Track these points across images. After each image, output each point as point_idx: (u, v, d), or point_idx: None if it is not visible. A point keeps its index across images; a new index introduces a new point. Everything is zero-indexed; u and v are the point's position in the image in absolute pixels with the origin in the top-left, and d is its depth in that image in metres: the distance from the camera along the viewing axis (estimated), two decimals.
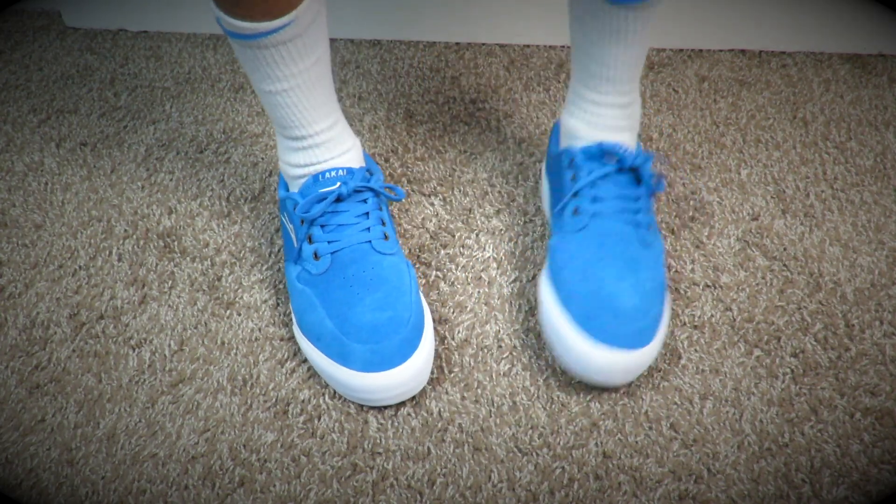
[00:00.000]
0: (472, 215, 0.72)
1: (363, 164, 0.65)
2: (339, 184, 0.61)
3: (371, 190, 0.61)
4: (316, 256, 0.60)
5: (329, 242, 0.60)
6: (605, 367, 0.54)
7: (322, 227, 0.61)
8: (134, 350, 0.62)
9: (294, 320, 0.61)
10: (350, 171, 0.61)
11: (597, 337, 0.54)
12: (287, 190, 0.65)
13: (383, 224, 0.62)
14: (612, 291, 0.55)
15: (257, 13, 0.51)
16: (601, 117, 0.62)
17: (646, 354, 0.54)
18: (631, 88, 0.61)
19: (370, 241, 0.60)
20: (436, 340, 0.61)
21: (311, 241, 0.61)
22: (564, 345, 0.55)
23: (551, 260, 0.60)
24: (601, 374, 0.54)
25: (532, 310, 0.63)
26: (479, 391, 0.58)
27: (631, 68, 0.59)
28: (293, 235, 0.62)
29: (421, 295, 0.60)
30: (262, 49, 0.53)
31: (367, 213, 0.61)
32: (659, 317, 0.56)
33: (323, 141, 0.61)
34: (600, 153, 0.61)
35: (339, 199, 0.60)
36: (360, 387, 0.54)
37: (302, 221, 0.61)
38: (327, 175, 0.61)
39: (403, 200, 0.74)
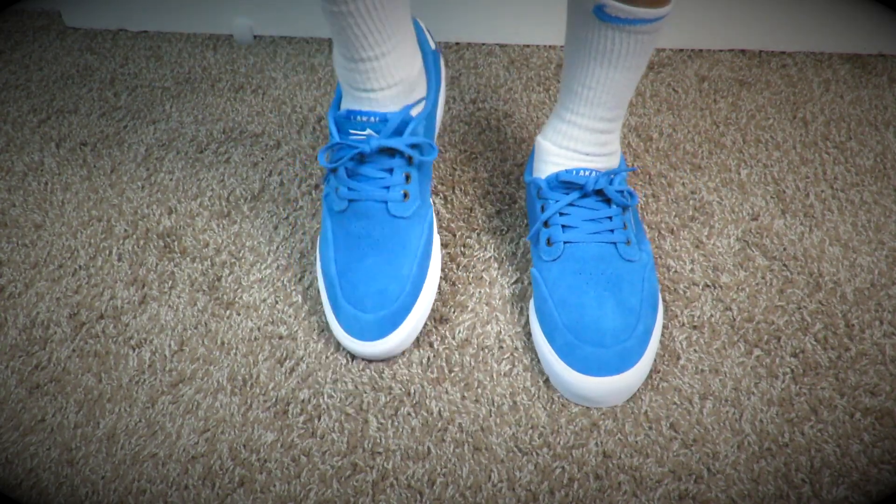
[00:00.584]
0: (472, 215, 0.72)
1: (412, 96, 0.60)
2: (367, 131, 0.59)
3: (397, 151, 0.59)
4: (337, 191, 0.60)
5: (349, 189, 0.60)
6: (594, 395, 0.55)
7: (346, 170, 0.60)
8: (134, 350, 0.62)
9: (320, 234, 0.63)
10: (384, 118, 0.58)
11: (579, 369, 0.54)
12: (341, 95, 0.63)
13: (408, 180, 0.60)
14: (592, 319, 0.56)
15: None
16: (572, 141, 0.61)
17: (633, 375, 0.55)
18: (611, 116, 0.59)
19: (386, 203, 0.59)
20: (436, 338, 0.61)
21: (336, 174, 0.61)
22: (554, 375, 0.57)
23: (535, 291, 0.61)
24: (592, 401, 0.55)
25: None
26: (480, 391, 0.58)
27: (612, 94, 0.58)
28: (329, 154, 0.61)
29: (433, 255, 0.61)
30: None
31: (391, 169, 0.60)
32: (648, 331, 0.56)
33: (368, 69, 0.57)
34: (561, 182, 0.61)
35: (361, 157, 0.59)
36: (342, 340, 0.59)
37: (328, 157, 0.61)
38: (360, 118, 0.59)
39: None
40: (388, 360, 0.60)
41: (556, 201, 0.61)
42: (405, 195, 0.60)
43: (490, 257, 0.68)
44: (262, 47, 0.98)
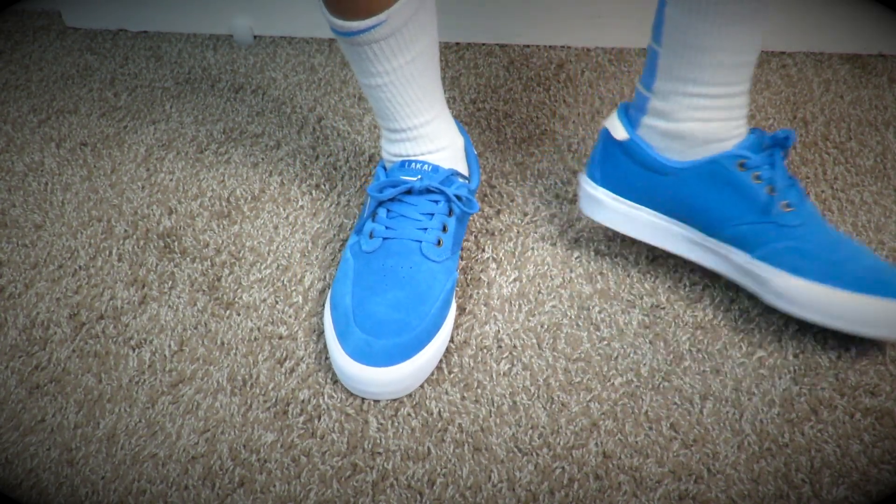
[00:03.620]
0: (471, 216, 0.72)
1: (456, 167, 0.65)
2: (419, 176, 0.62)
3: (443, 193, 0.62)
4: (371, 235, 0.62)
5: (386, 227, 0.62)
6: None
7: (388, 211, 0.62)
8: (134, 350, 0.62)
9: (336, 278, 0.62)
10: (436, 168, 0.63)
11: None
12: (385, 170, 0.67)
13: (444, 230, 0.62)
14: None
15: (349, 12, 0.54)
16: (741, 109, 0.57)
17: None
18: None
19: (420, 242, 0.61)
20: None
21: (374, 219, 0.63)
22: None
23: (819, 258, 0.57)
24: None
25: (532, 309, 0.63)
26: (479, 391, 0.58)
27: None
28: (366, 208, 0.64)
29: (451, 310, 0.60)
30: (357, 45, 0.56)
31: (432, 214, 0.62)
32: None
33: (415, 136, 0.63)
34: (770, 141, 0.57)
35: (409, 192, 0.62)
36: (344, 369, 0.56)
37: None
38: (413, 165, 0.63)
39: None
40: (385, 399, 0.57)
41: (776, 164, 0.57)
42: (439, 241, 0.61)
43: (488, 258, 0.68)
44: (262, 47, 0.98)
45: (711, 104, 0.57)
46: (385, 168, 0.66)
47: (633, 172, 0.61)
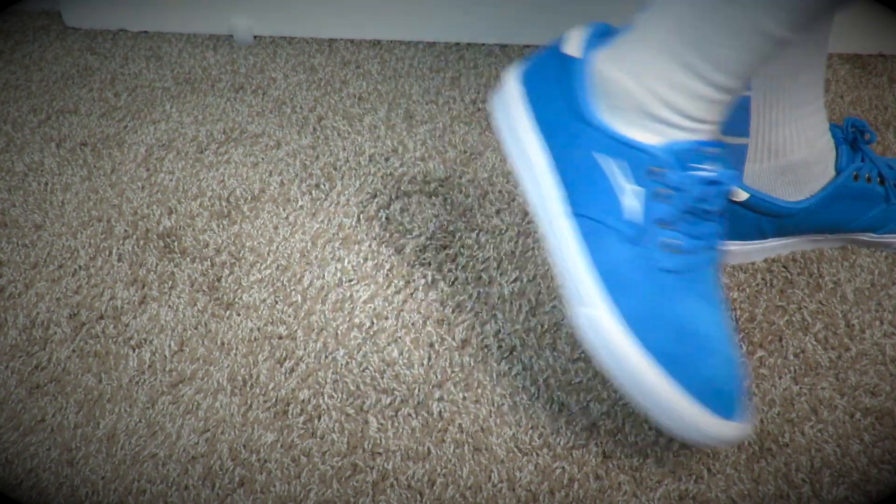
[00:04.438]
0: (472, 215, 0.72)
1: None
2: (718, 172, 0.46)
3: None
4: (674, 249, 0.46)
5: (694, 238, 0.46)
6: None
7: (694, 216, 0.46)
8: (134, 350, 0.62)
9: (616, 313, 0.45)
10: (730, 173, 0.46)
11: None
12: (599, 115, 0.46)
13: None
14: None
15: None
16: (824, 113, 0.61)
17: None
18: None
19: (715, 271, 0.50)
20: (436, 339, 0.61)
21: (674, 225, 0.46)
22: None
23: None
24: None
25: (532, 309, 0.63)
26: (480, 391, 0.58)
27: None
28: (635, 201, 0.45)
29: None
30: None
31: (720, 237, 0.50)
32: None
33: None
34: (853, 136, 0.62)
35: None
36: (693, 418, 0.44)
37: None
38: (709, 150, 0.44)
39: (404, 200, 0.74)
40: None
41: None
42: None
43: (489, 257, 0.68)
44: (262, 47, 0.98)
45: (812, 120, 0.58)
46: (599, 110, 0.46)
47: (759, 221, 0.62)
